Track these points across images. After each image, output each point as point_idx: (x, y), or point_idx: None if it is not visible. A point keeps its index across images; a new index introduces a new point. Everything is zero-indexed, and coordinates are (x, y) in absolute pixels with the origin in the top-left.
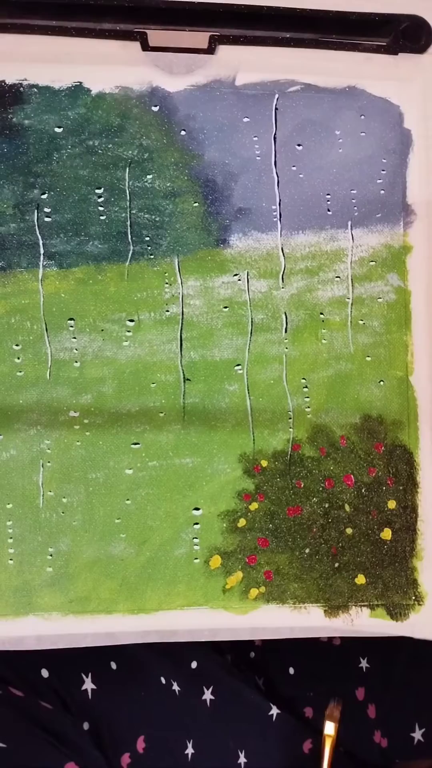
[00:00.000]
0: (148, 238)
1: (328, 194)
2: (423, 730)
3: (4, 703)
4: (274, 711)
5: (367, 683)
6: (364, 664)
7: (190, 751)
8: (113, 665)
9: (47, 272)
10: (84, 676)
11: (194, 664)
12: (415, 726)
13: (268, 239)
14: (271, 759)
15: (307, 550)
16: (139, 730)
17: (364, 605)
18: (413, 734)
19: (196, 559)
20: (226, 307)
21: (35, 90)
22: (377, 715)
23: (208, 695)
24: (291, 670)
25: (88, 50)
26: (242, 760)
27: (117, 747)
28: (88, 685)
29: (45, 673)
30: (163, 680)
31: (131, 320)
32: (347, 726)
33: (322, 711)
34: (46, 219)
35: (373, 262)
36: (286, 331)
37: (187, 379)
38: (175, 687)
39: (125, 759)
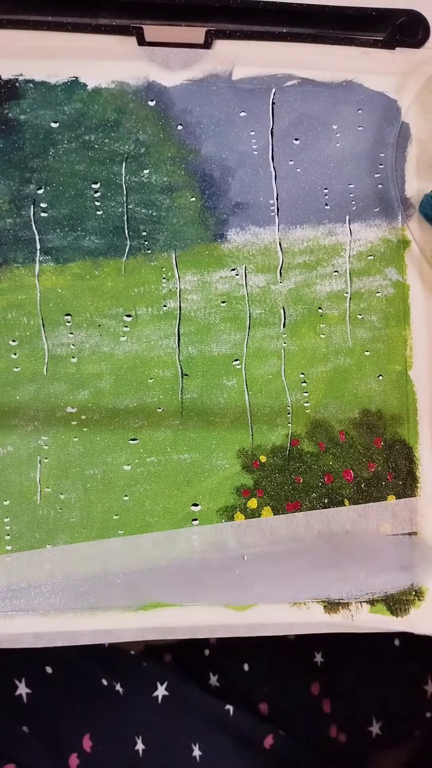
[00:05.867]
0: (145, 233)
1: (325, 189)
2: (380, 723)
3: None
4: (230, 707)
5: (322, 678)
6: (318, 658)
7: (140, 746)
8: (48, 670)
9: (44, 267)
10: (17, 682)
11: (139, 665)
12: (372, 720)
13: (265, 234)
14: (228, 753)
15: None
16: (83, 730)
17: (364, 601)
18: (371, 728)
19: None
20: (223, 302)
21: (31, 85)
22: (332, 710)
23: (157, 693)
24: (246, 667)
25: (84, 45)
26: (197, 753)
27: (62, 748)
28: (23, 689)
29: None
30: (104, 682)
31: (128, 315)
32: (303, 721)
33: (277, 707)
34: (43, 214)
35: (372, 257)
36: (284, 326)
37: (185, 375)
38: (118, 688)
39: (73, 760)
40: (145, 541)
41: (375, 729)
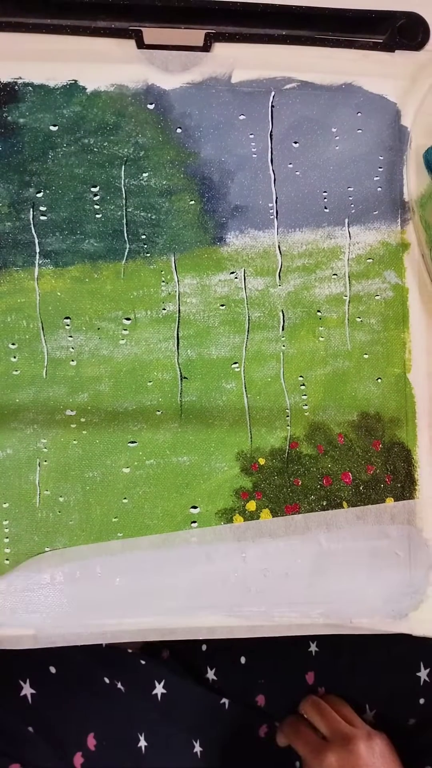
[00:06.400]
0: (144, 236)
1: (324, 192)
2: (374, 711)
3: None
4: (225, 701)
5: (317, 667)
6: (313, 648)
7: (143, 744)
8: (52, 669)
9: (43, 271)
10: (21, 682)
11: (137, 663)
12: (366, 707)
13: (264, 237)
14: (226, 746)
15: None
16: (88, 728)
17: (362, 602)
18: (365, 716)
19: None
20: (222, 305)
21: (30, 88)
22: None
23: (156, 691)
24: (242, 659)
25: (83, 48)
26: (198, 749)
27: (67, 747)
28: (27, 690)
29: None
30: (106, 680)
31: (128, 318)
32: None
33: (274, 698)
34: (42, 217)
35: (371, 260)
36: (283, 329)
37: (184, 378)
38: (120, 686)
39: (78, 759)
40: (144, 543)
41: (369, 716)
